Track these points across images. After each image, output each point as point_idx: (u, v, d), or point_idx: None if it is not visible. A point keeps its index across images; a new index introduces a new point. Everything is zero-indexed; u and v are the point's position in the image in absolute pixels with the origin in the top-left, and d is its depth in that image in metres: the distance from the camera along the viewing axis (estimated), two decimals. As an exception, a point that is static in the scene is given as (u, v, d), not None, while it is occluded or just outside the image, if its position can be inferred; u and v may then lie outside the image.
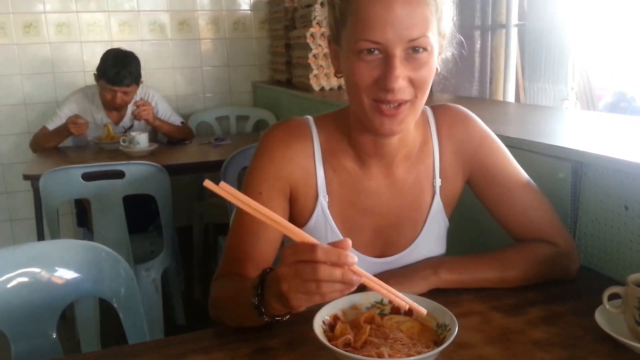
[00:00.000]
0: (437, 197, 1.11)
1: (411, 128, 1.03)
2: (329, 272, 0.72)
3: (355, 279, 0.74)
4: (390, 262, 1.10)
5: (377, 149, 1.03)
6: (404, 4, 0.87)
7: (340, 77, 0.99)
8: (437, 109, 1.12)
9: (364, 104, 0.94)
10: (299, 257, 0.73)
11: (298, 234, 0.76)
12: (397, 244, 1.11)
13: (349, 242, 0.74)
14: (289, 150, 1.05)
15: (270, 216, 0.75)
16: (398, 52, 0.88)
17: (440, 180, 1.10)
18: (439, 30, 0.93)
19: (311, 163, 1.06)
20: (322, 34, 3.01)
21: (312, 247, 0.72)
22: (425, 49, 0.90)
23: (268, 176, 1.04)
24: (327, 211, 1.06)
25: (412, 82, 0.91)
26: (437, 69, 0.96)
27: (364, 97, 0.93)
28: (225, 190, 0.73)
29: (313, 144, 1.06)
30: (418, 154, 1.09)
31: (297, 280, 0.73)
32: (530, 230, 1.09)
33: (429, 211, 1.11)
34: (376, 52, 0.89)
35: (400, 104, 0.92)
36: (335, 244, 0.73)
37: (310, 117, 1.10)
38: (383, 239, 1.11)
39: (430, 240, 1.12)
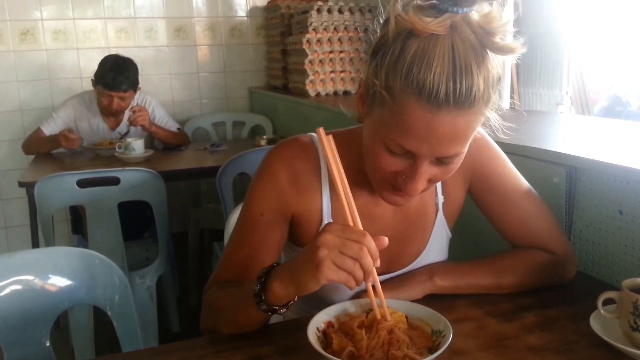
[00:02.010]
0: (440, 214, 1.10)
1: None
2: (368, 259, 0.77)
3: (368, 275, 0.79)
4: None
5: None
6: (448, 126, 0.80)
7: (361, 122, 0.94)
8: None
9: (377, 179, 0.93)
10: (348, 236, 0.78)
11: (357, 221, 0.82)
12: (400, 262, 1.10)
13: (386, 241, 0.80)
14: (294, 172, 1.01)
15: (348, 194, 0.83)
16: (427, 161, 0.85)
17: (442, 197, 1.09)
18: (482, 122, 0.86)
19: (317, 186, 1.02)
20: (318, 40, 3.01)
21: (364, 233, 0.78)
22: (458, 156, 0.86)
23: (271, 198, 1.00)
24: None
25: (432, 180, 0.89)
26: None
27: (380, 176, 0.91)
28: (329, 144, 0.82)
29: (320, 164, 1.03)
30: None
31: (338, 252, 0.77)
32: (527, 237, 1.09)
33: (432, 228, 1.10)
34: (405, 154, 0.85)
35: None
36: (375, 240, 0.79)
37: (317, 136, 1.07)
38: (387, 259, 1.08)
39: (433, 254, 1.11)
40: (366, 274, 0.78)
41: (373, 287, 0.85)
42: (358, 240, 0.77)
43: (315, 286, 0.79)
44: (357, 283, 0.78)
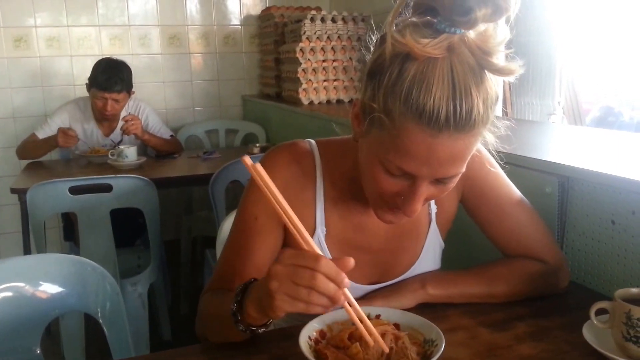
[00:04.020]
0: (434, 224, 1.10)
1: None
2: (325, 285, 0.72)
3: (342, 300, 0.74)
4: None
5: None
6: (448, 149, 0.79)
7: (356, 141, 0.92)
8: None
9: (374, 198, 0.92)
10: (299, 262, 0.73)
11: (309, 243, 0.75)
12: (393, 271, 1.09)
13: (352, 262, 0.74)
14: (290, 176, 1.01)
15: (292, 218, 0.75)
16: (426, 182, 0.84)
17: (436, 207, 1.09)
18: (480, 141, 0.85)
19: (312, 192, 1.03)
20: (312, 49, 3.02)
21: (316, 257, 0.73)
22: (456, 176, 0.86)
23: (266, 202, 1.00)
24: (324, 243, 1.03)
25: (429, 199, 0.89)
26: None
27: (377, 196, 0.90)
28: (258, 172, 0.74)
29: (316, 173, 1.03)
30: None
31: (290, 282, 0.73)
32: (520, 247, 1.09)
33: (425, 238, 1.10)
34: (403, 175, 0.84)
35: None
36: (336, 262, 0.73)
37: (314, 143, 1.05)
38: (380, 269, 1.09)
39: (426, 264, 1.11)
40: (331, 299, 0.73)
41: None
42: (310, 266, 0.72)
43: (278, 316, 0.77)
44: (323, 310, 0.74)
